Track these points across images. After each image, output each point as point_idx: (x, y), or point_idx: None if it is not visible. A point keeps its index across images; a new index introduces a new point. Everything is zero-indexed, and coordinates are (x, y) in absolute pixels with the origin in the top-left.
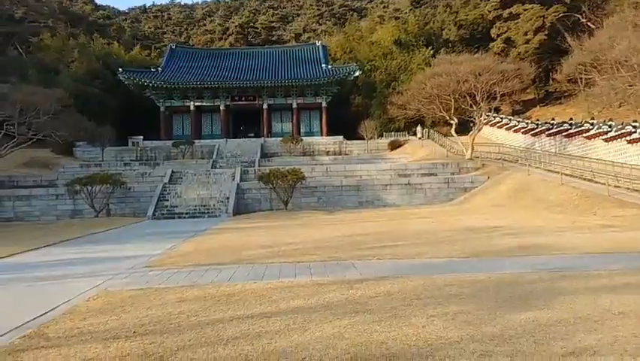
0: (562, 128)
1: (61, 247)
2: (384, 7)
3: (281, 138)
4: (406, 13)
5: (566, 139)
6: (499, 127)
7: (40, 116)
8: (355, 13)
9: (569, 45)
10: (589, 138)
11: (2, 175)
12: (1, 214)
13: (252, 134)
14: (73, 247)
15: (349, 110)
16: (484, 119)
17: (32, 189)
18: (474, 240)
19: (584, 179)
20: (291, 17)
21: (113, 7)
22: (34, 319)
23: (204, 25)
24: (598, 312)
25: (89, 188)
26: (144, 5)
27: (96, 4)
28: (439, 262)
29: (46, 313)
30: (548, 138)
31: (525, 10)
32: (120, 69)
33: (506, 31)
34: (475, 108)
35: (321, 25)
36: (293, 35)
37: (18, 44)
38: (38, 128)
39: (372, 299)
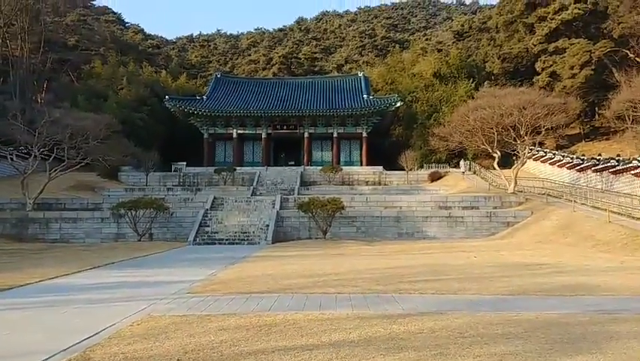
0: (609, 164)
1: (105, 269)
2: (426, 39)
3: (321, 167)
4: (448, 45)
5: (613, 176)
6: (542, 161)
7: (89, 140)
8: (397, 45)
9: (617, 81)
10: (637, 175)
11: (50, 198)
12: (48, 236)
13: (292, 163)
14: (117, 270)
15: (389, 140)
16: (528, 153)
17: (78, 212)
18: (519, 277)
19: (633, 217)
20: (333, 48)
21: (161, 37)
22: (80, 342)
23: (249, 55)
24: None
25: (133, 212)
26: (191, 35)
27: (146, 33)
28: (483, 299)
29: (92, 336)
30: (594, 173)
31: (571, 44)
32: (167, 97)
33: (551, 65)
34: (518, 142)
35: (363, 56)
36: (335, 66)
37: (70, 71)
38: (87, 152)
39: (416, 336)
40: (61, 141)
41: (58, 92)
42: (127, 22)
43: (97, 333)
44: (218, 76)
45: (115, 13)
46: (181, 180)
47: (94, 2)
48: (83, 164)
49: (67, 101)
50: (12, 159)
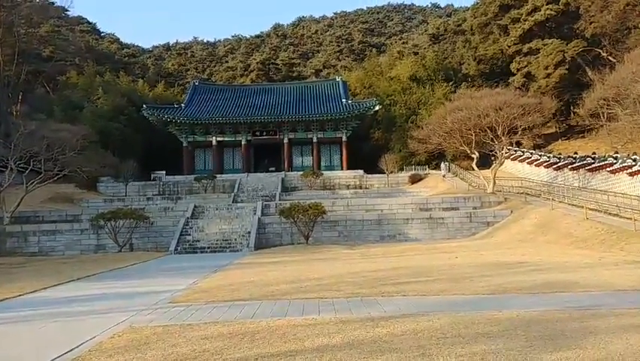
0: (585, 162)
1: (85, 282)
2: (403, 42)
3: (301, 172)
4: (424, 48)
5: (590, 173)
6: (520, 161)
7: (66, 152)
8: (374, 49)
9: (591, 79)
10: (613, 172)
11: (28, 210)
12: (27, 249)
13: (273, 169)
14: (97, 282)
15: (369, 144)
16: (506, 153)
17: (57, 224)
18: (499, 276)
19: (610, 214)
20: (311, 54)
21: (138, 46)
22: (60, 356)
23: (226, 62)
24: (631, 351)
25: (113, 223)
26: (168, 43)
27: (122, 42)
28: (464, 299)
29: (72, 349)
30: (571, 171)
31: (545, 45)
32: (144, 106)
33: (526, 66)
34: (496, 142)
35: (340, 60)
36: (313, 71)
37: (45, 82)
38: (64, 164)
39: (398, 338)
40: (38, 153)
41: (34, 103)
42: (102, 32)
43: (77, 346)
44: (196, 84)
45: (90, 23)
46: (161, 190)
47: (68, 12)
48: (60, 176)
49: (43, 112)
50: None
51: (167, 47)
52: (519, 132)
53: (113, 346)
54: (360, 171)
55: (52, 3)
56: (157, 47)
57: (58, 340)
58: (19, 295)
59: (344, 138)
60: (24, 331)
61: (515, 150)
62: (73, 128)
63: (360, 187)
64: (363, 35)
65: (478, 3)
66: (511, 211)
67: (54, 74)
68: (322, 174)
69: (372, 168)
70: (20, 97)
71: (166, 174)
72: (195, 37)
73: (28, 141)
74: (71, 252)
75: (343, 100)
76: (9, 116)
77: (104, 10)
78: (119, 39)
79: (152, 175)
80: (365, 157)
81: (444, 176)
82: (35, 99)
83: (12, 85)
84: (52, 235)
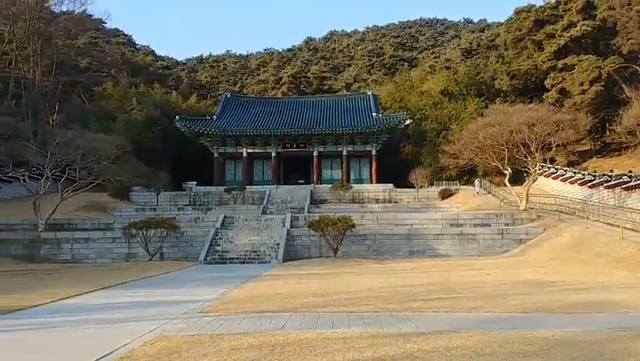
0: (621, 180)
1: (117, 289)
2: (434, 57)
3: (330, 185)
4: (456, 63)
5: (626, 192)
6: (554, 178)
7: (101, 161)
8: (406, 63)
9: (627, 96)
10: None
11: (62, 218)
12: (60, 256)
13: (302, 181)
14: (128, 289)
15: (399, 158)
16: (539, 170)
17: (90, 232)
18: (532, 294)
19: None
20: (342, 67)
21: (172, 58)
22: None
23: (258, 74)
24: None
25: (144, 232)
26: (201, 56)
27: (156, 54)
28: (497, 317)
29: (104, 356)
30: (607, 190)
31: (580, 61)
32: (177, 117)
33: (561, 82)
34: (529, 158)
35: (371, 74)
36: (344, 85)
37: (82, 93)
38: (98, 173)
39: (430, 354)
40: (73, 162)
41: (70, 113)
42: (138, 44)
43: (109, 353)
44: (228, 96)
45: (126, 35)
46: (191, 200)
47: (105, 25)
48: (94, 184)
49: (78, 122)
50: (24, 180)
51: (200, 60)
52: (553, 149)
53: (144, 354)
54: (390, 185)
55: (90, 16)
56: (190, 59)
57: (91, 347)
58: (53, 302)
59: (374, 152)
60: (57, 337)
61: (549, 167)
62: (108, 138)
63: (390, 201)
64: (394, 49)
65: (512, 18)
66: (544, 229)
67: (90, 85)
68: (351, 187)
69: (401, 182)
70: (57, 107)
71: (197, 185)
72: (228, 50)
73: (63, 149)
74: (103, 260)
75: (374, 113)
76: (46, 125)
77: (140, 23)
78: (153, 51)
79: (183, 185)
80: (394, 171)
81: (477, 193)
82: (71, 109)
83: (49, 95)
84: (85, 243)
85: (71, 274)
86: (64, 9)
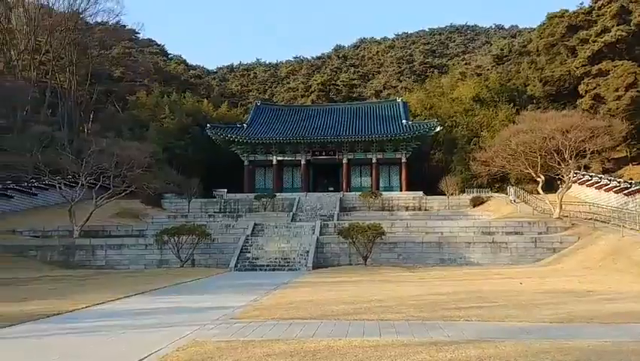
0: None
1: (150, 295)
2: (465, 63)
3: (360, 193)
4: (488, 69)
5: None
6: (588, 185)
7: (134, 169)
8: (436, 70)
9: None
10: None
11: (96, 225)
12: (94, 262)
13: (332, 188)
14: (161, 295)
15: (429, 165)
16: (573, 177)
17: (123, 239)
18: (567, 304)
19: None
20: (371, 75)
21: (203, 67)
22: None
23: (288, 83)
24: None
25: (176, 239)
26: (232, 64)
27: (188, 64)
28: (530, 327)
29: None
30: None
31: (615, 66)
32: (208, 125)
33: (595, 88)
34: (562, 166)
35: (401, 81)
36: (373, 92)
37: (115, 102)
38: (131, 180)
39: None
40: (107, 170)
41: (104, 122)
42: (170, 54)
43: (144, 358)
44: (258, 104)
45: (158, 45)
46: (222, 207)
47: (138, 35)
48: (127, 192)
49: (112, 130)
50: (60, 187)
51: (230, 69)
52: (587, 156)
53: (177, 359)
54: (420, 193)
55: (124, 26)
56: (221, 68)
57: (125, 352)
58: (87, 307)
59: (403, 159)
60: (91, 342)
61: (583, 174)
62: (141, 146)
63: (420, 209)
64: (424, 56)
65: (544, 23)
66: (579, 237)
67: (124, 94)
68: (381, 194)
69: (431, 189)
70: (92, 116)
71: (227, 192)
72: (258, 59)
73: (98, 158)
74: (136, 266)
75: (403, 121)
76: (81, 133)
77: (172, 33)
78: (185, 60)
79: (214, 193)
80: (425, 178)
81: (513, 201)
82: (106, 118)
83: (84, 104)
84: (119, 249)
85: (105, 280)
86: (98, 20)
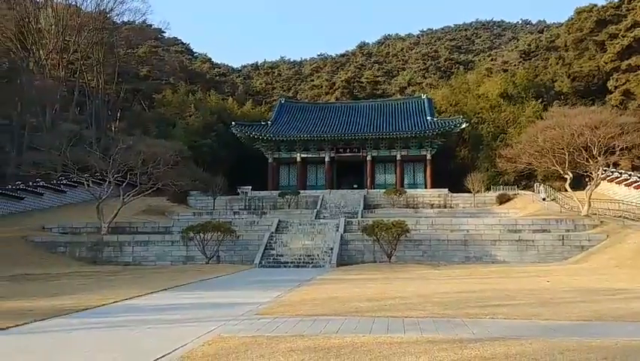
0: None
1: (176, 291)
2: (491, 59)
3: (384, 190)
4: (514, 65)
5: None
6: (617, 183)
7: (160, 166)
8: (461, 67)
9: None
10: None
11: (124, 222)
12: (122, 258)
13: (356, 186)
14: (187, 291)
15: (454, 162)
16: (602, 174)
17: (150, 235)
18: (595, 302)
19: None
20: (395, 71)
21: (227, 65)
22: None
23: (312, 80)
24: None
25: (202, 235)
26: (256, 62)
27: (213, 62)
28: (558, 325)
29: (165, 355)
30: None
31: None
32: (233, 123)
33: (625, 83)
34: (591, 162)
35: (426, 78)
36: (398, 89)
37: (142, 100)
38: (157, 177)
39: None
40: (134, 167)
41: (131, 120)
42: (195, 52)
43: (169, 353)
44: (282, 102)
45: (184, 44)
46: (247, 204)
47: (164, 34)
48: (154, 189)
49: (139, 128)
50: (88, 184)
51: (255, 67)
52: (617, 152)
53: (203, 354)
54: (445, 190)
55: (150, 25)
56: (246, 66)
57: (151, 346)
58: (115, 302)
59: (428, 156)
60: (119, 336)
61: (612, 172)
62: (167, 144)
63: (445, 206)
64: (449, 52)
65: (572, 18)
66: (608, 235)
67: (150, 93)
68: (405, 191)
69: (457, 187)
70: (119, 114)
71: (251, 189)
72: (282, 57)
73: (125, 155)
74: (162, 262)
75: (428, 117)
76: (108, 131)
77: (197, 31)
78: (210, 59)
79: (239, 190)
80: (450, 176)
81: (543, 199)
82: (132, 116)
83: (112, 103)
84: (145, 246)
85: (133, 275)
86: (125, 19)
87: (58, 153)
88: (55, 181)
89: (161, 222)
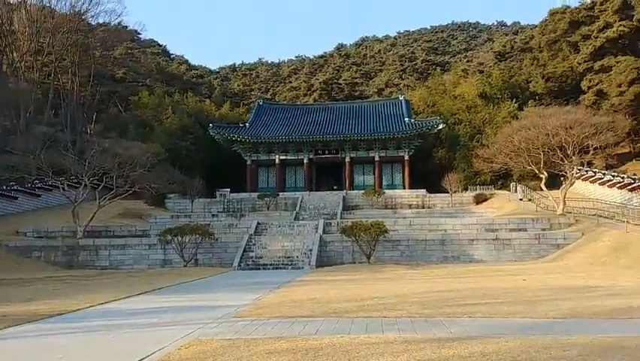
0: None
1: (153, 295)
2: (467, 61)
3: (363, 191)
4: (490, 66)
5: None
6: (591, 181)
7: (137, 169)
8: (438, 68)
9: None
10: None
11: (100, 225)
12: (98, 262)
13: (335, 187)
14: (164, 295)
15: (432, 163)
16: (576, 174)
17: (126, 239)
18: (571, 300)
19: None
20: (373, 73)
21: (205, 67)
22: None
23: (290, 82)
24: None
25: (179, 238)
26: (234, 64)
27: (190, 64)
28: (534, 323)
29: (143, 359)
30: None
31: (618, 62)
32: (210, 125)
33: (598, 84)
34: (566, 162)
35: (403, 79)
36: (375, 90)
37: (118, 102)
38: (134, 180)
39: (465, 359)
40: (110, 170)
41: (107, 122)
42: (172, 54)
43: (147, 357)
44: (261, 103)
45: (160, 45)
46: (225, 206)
47: (140, 36)
48: (130, 192)
49: (115, 131)
50: (63, 188)
51: (232, 68)
52: (591, 152)
53: (180, 357)
54: (423, 191)
55: (126, 27)
56: (223, 67)
57: (128, 350)
58: (91, 306)
59: (406, 157)
60: (96, 341)
61: (586, 171)
62: (144, 146)
63: (423, 207)
64: (426, 54)
65: (546, 20)
66: (583, 234)
67: (126, 95)
68: (384, 192)
69: (434, 187)
70: (94, 116)
71: (230, 192)
72: (260, 59)
73: (101, 158)
74: (139, 266)
75: (406, 119)
76: (84, 134)
77: (173, 33)
78: (187, 61)
79: (217, 192)
80: (427, 176)
81: (520, 199)
82: (108, 118)
83: (87, 105)
84: (122, 250)
85: (109, 280)
86: (100, 21)
87: (32, 156)
88: (29, 185)
89: (138, 225)
